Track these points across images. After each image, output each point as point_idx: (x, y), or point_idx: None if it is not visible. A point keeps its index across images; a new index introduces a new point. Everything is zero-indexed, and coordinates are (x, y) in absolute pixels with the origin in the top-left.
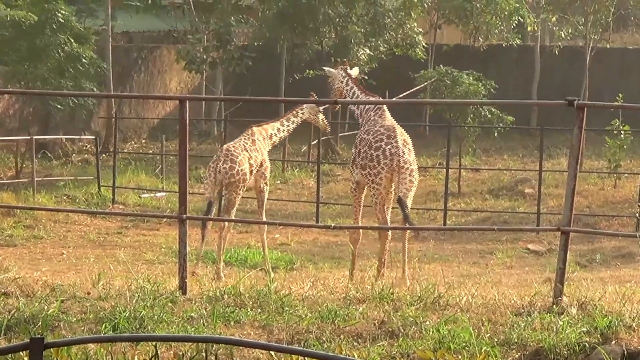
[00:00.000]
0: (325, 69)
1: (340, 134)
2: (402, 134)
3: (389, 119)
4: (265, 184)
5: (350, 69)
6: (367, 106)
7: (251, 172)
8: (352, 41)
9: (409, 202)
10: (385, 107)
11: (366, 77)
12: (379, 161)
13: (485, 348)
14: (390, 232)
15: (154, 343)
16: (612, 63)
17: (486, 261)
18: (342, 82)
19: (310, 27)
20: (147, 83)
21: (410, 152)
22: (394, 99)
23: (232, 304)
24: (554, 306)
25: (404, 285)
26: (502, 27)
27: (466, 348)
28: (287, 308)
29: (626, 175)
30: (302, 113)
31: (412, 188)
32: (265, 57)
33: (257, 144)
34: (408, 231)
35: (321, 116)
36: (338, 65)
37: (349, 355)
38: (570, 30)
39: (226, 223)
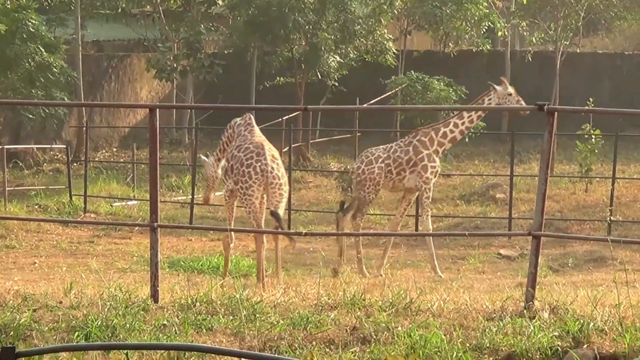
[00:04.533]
0: (202, 157)
1: (311, 141)
2: (270, 150)
3: (258, 135)
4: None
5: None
6: (238, 122)
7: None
8: (322, 48)
9: (281, 212)
10: (254, 122)
11: (337, 85)
12: (250, 177)
13: (457, 353)
14: (265, 238)
15: (125, 351)
16: (582, 68)
17: (458, 266)
18: (213, 165)
19: (281, 35)
20: (118, 92)
21: (279, 166)
22: (365, 106)
23: (204, 312)
24: (526, 311)
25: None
26: (472, 33)
27: (438, 353)
28: (258, 315)
29: (597, 179)
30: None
31: (283, 200)
32: (236, 65)
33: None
34: (280, 238)
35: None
36: None
37: None
38: (540, 35)
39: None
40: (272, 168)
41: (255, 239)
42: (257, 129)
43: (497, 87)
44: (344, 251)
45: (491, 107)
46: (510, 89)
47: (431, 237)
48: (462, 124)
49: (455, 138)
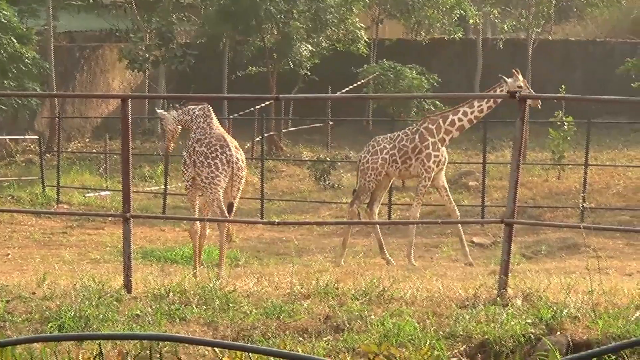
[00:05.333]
0: (158, 111)
1: (284, 130)
2: (232, 141)
3: (217, 127)
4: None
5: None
6: (196, 113)
7: None
8: (294, 37)
9: (237, 199)
10: (212, 114)
11: (309, 74)
12: (217, 167)
13: (430, 341)
14: (229, 227)
15: (98, 342)
16: (554, 55)
17: (431, 255)
18: (174, 117)
19: (252, 24)
20: (90, 82)
21: (242, 157)
22: (337, 94)
23: (177, 302)
24: (499, 298)
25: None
26: (444, 21)
27: (411, 341)
28: (232, 305)
29: (570, 166)
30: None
31: (240, 192)
32: (208, 55)
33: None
34: (226, 233)
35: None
36: None
37: (293, 350)
38: (512, 23)
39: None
40: (237, 159)
41: (219, 229)
42: (215, 120)
43: (508, 80)
44: (346, 243)
45: (459, 95)
46: (520, 82)
47: (414, 226)
48: (472, 112)
49: (463, 126)
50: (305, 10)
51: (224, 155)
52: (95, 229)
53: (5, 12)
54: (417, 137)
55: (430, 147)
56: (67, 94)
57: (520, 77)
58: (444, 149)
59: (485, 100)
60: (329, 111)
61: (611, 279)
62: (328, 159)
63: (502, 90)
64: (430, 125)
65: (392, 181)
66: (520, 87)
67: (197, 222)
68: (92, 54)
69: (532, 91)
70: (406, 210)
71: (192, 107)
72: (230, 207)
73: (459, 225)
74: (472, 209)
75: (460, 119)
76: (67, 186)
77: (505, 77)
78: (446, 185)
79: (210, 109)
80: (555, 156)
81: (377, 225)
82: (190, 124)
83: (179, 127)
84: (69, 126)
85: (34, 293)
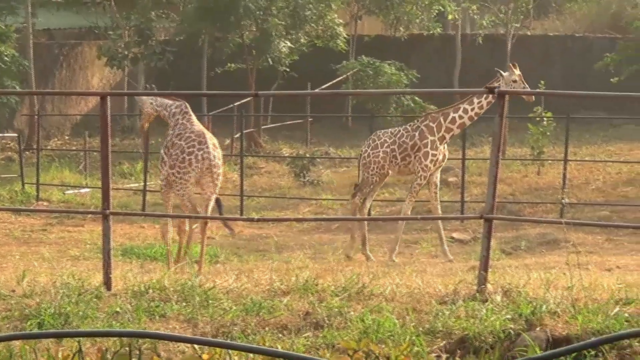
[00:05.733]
0: (137, 98)
1: (263, 127)
2: (211, 139)
3: (197, 124)
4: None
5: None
6: (173, 110)
7: None
8: (273, 34)
9: (214, 196)
10: (190, 111)
11: (288, 70)
12: (190, 163)
13: (409, 337)
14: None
15: (78, 339)
16: (533, 50)
17: (411, 251)
18: (152, 103)
19: (231, 21)
20: (69, 80)
21: (219, 155)
22: (316, 91)
23: (156, 298)
24: (478, 294)
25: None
26: (422, 17)
27: (391, 337)
28: (211, 301)
29: (549, 162)
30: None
31: (217, 190)
32: (187, 52)
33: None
34: (206, 227)
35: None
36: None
37: (272, 347)
38: (491, 19)
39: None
40: (214, 156)
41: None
42: (194, 117)
43: (504, 73)
44: (355, 235)
45: (438, 91)
46: (515, 76)
47: (403, 223)
48: (472, 109)
49: (464, 124)
50: (284, 7)
51: (201, 152)
52: (75, 226)
53: None
54: (417, 134)
55: (429, 146)
56: (47, 91)
57: (516, 70)
58: (442, 147)
59: (485, 96)
60: (308, 107)
61: (591, 274)
62: (307, 156)
63: (499, 84)
64: (431, 123)
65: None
66: (515, 80)
67: (170, 223)
68: (71, 51)
69: (527, 85)
70: (385, 207)
71: (169, 102)
72: (217, 201)
73: (439, 222)
74: (452, 204)
75: (461, 117)
76: (47, 184)
77: (501, 71)
78: (437, 182)
79: (188, 105)
80: (534, 152)
81: (364, 221)
82: (169, 121)
83: (154, 113)
84: (48, 124)
85: (13, 290)
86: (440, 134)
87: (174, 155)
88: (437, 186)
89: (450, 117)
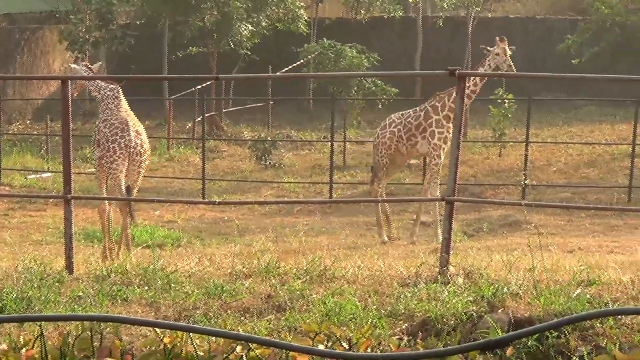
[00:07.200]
0: (71, 65)
1: (224, 110)
2: (134, 126)
3: (124, 110)
4: None
5: (92, 64)
6: (106, 93)
7: None
8: (234, 17)
9: (138, 183)
10: (122, 96)
11: (249, 53)
12: (114, 151)
13: (371, 319)
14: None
15: (40, 323)
16: (494, 32)
17: (373, 233)
18: (85, 73)
19: (192, 4)
20: (31, 64)
21: (143, 142)
22: (277, 74)
23: (119, 282)
24: (440, 276)
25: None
26: (383, 0)
27: (353, 320)
28: (173, 285)
29: (511, 143)
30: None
31: (140, 177)
32: (148, 36)
33: None
34: (128, 214)
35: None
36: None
37: (234, 330)
38: (452, 1)
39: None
40: (136, 144)
41: (121, 210)
42: (124, 102)
43: (490, 48)
44: (382, 218)
45: (399, 73)
46: (498, 49)
47: (437, 204)
48: (468, 87)
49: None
50: None
51: (123, 139)
52: (37, 211)
53: None
54: (422, 114)
55: (434, 125)
56: (7, 76)
57: (502, 44)
58: (450, 125)
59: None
60: (270, 91)
61: (553, 255)
62: (269, 139)
63: (488, 61)
64: (436, 103)
65: (407, 160)
66: (497, 54)
67: (106, 201)
68: (32, 35)
69: (508, 59)
70: (347, 190)
71: (103, 84)
72: (127, 190)
73: (436, 204)
74: (414, 187)
75: None
76: (9, 168)
77: (488, 47)
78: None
79: (120, 90)
80: (496, 134)
81: (380, 204)
82: (100, 104)
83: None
84: (9, 108)
85: None
86: (445, 113)
87: (101, 144)
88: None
89: (453, 96)
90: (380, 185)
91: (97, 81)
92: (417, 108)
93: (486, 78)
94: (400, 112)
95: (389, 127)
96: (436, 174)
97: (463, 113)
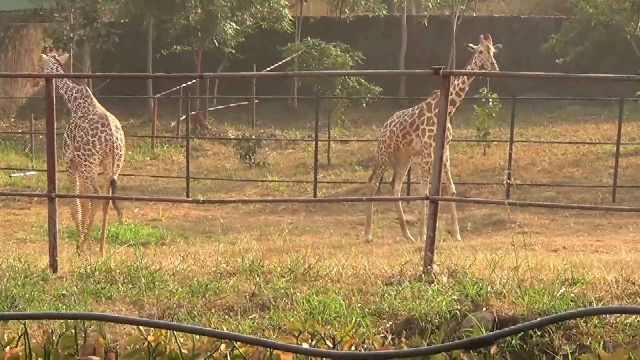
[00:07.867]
0: (43, 55)
1: (209, 109)
2: (113, 121)
3: (99, 106)
4: None
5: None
6: (75, 94)
7: None
8: (219, 16)
9: (116, 176)
10: (91, 94)
11: (234, 52)
12: (94, 145)
13: (355, 318)
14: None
15: (24, 321)
16: (479, 32)
17: (357, 232)
18: (52, 68)
19: (176, 3)
20: (15, 62)
21: (122, 137)
22: (262, 72)
23: (103, 280)
24: (424, 275)
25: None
26: None
27: (337, 318)
28: (157, 283)
29: (495, 143)
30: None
31: (119, 169)
32: (132, 34)
33: None
34: (109, 208)
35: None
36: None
37: (218, 329)
38: (437, 0)
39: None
40: (117, 138)
41: (92, 204)
42: (95, 100)
43: (474, 46)
44: (370, 218)
45: (384, 72)
46: (482, 47)
47: (454, 205)
48: (457, 86)
49: (454, 100)
50: None
51: (104, 133)
52: (21, 209)
53: None
54: (417, 112)
55: (426, 123)
56: None
57: (486, 42)
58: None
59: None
60: (254, 89)
61: (537, 254)
62: (253, 137)
63: (475, 59)
64: (431, 101)
65: (411, 159)
66: (480, 51)
67: (78, 202)
68: (16, 33)
69: (491, 57)
70: (331, 189)
71: (70, 85)
72: (112, 183)
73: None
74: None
75: (450, 93)
76: None
77: (472, 45)
78: (445, 162)
79: (89, 89)
80: (480, 133)
81: (399, 202)
82: (69, 104)
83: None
84: None
85: None
86: (437, 111)
87: (78, 137)
88: (446, 165)
89: None
90: (377, 183)
91: (65, 80)
92: (416, 106)
93: (472, 78)
94: (402, 111)
95: (389, 126)
96: (427, 172)
97: (450, 112)
